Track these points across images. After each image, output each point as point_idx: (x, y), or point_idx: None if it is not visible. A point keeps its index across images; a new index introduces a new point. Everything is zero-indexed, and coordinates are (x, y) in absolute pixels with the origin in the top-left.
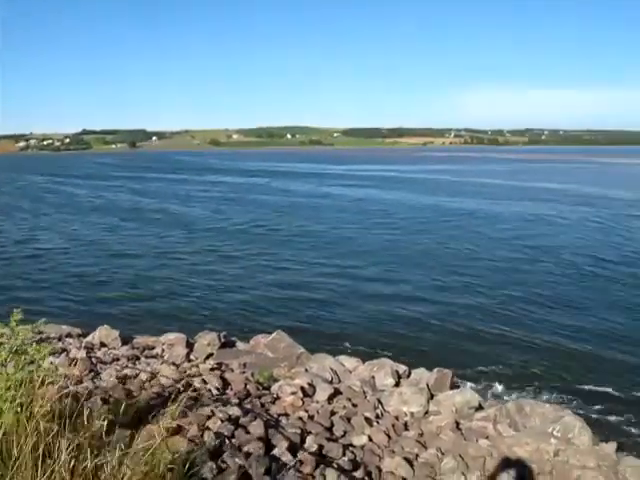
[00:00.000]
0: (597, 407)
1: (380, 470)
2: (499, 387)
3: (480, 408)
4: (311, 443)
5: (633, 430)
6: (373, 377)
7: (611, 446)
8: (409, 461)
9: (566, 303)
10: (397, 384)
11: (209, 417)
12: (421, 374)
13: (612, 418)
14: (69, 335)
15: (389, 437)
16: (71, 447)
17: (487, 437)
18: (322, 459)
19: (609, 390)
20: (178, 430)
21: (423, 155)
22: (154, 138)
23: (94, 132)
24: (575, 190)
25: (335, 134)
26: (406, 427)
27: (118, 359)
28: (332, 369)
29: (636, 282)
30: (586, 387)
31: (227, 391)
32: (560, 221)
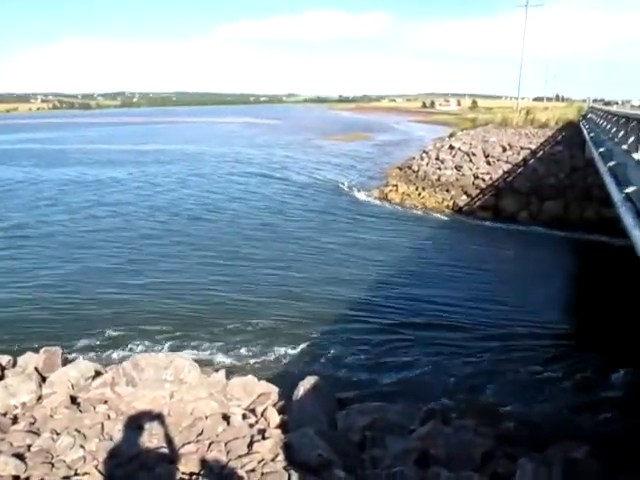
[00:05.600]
0: (206, 345)
1: None
2: (120, 351)
3: (99, 375)
4: None
5: (238, 354)
6: None
7: (221, 374)
8: (20, 455)
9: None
10: (1, 377)
11: None
12: (27, 359)
13: (220, 354)
14: None
15: None
16: None
17: (106, 402)
18: None
19: (215, 329)
20: None
21: (11, 123)
22: None
23: None
24: (186, 149)
25: None
26: (15, 420)
27: None
28: None
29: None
30: (200, 332)
31: None
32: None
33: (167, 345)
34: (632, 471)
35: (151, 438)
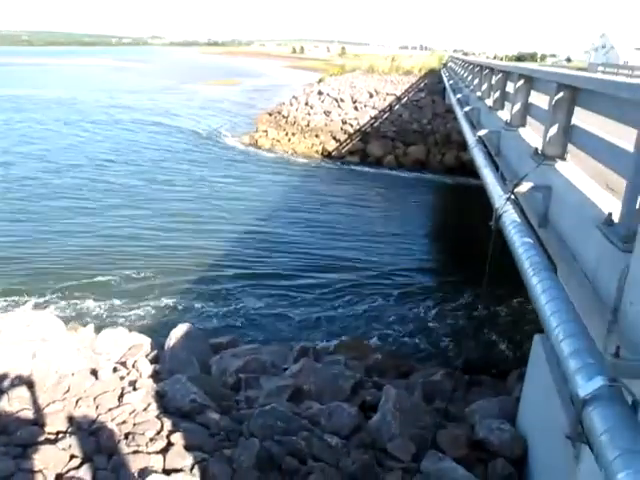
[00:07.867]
0: (73, 300)
1: None
2: None
3: None
4: None
5: (107, 307)
6: None
7: (89, 329)
8: None
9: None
10: None
11: None
12: None
13: (87, 308)
14: None
15: None
16: None
17: None
18: None
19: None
20: None
21: None
22: None
23: None
24: (54, 95)
25: None
26: None
27: None
28: None
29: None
30: (65, 286)
31: None
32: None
33: (29, 303)
34: (481, 385)
35: (11, 402)
